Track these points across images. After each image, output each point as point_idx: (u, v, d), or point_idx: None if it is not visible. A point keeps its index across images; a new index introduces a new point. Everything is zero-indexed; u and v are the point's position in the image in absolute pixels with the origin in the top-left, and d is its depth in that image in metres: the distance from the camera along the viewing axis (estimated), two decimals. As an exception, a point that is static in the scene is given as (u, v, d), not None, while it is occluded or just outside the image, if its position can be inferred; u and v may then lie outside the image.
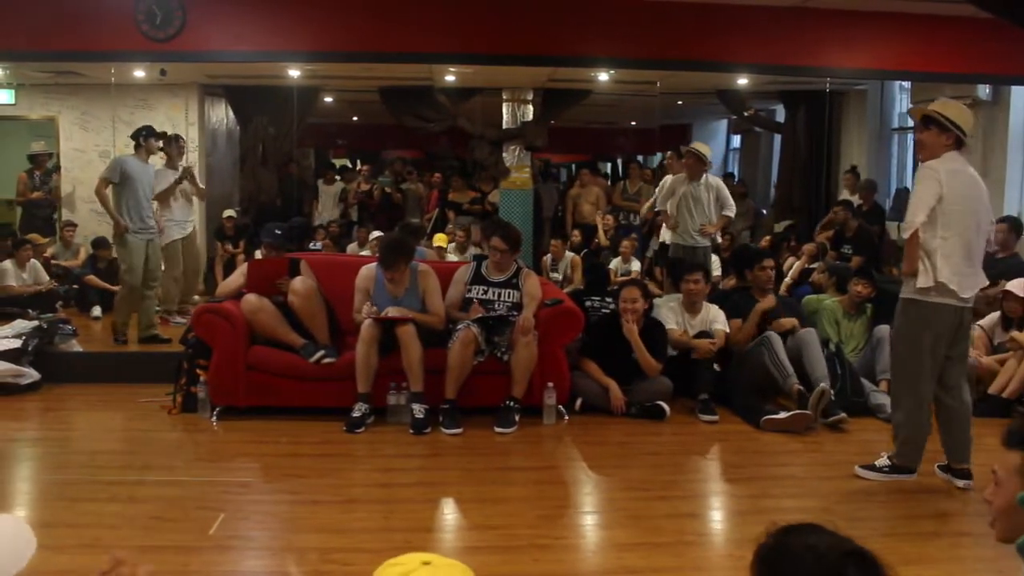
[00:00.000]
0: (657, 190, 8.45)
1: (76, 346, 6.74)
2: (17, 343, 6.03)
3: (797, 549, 1.37)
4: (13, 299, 8.10)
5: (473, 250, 8.67)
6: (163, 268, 7.92)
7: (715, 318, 5.87)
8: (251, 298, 5.41)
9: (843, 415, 5.26)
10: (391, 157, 12.67)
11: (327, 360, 5.32)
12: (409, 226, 7.44)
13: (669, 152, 7.71)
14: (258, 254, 6.02)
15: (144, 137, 7.25)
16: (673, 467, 4.76)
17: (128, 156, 7.24)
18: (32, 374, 6.01)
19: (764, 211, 10.96)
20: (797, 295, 7.07)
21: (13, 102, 9.62)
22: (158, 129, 7.65)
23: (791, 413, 5.19)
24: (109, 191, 7.13)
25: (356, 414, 5.14)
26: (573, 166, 13.83)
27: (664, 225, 7.63)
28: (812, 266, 7.96)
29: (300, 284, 5.45)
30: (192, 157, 8.86)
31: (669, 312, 5.90)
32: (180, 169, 7.84)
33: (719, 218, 7.13)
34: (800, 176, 9.85)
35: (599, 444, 5.13)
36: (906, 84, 8.93)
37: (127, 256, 7.15)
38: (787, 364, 5.55)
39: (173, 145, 7.85)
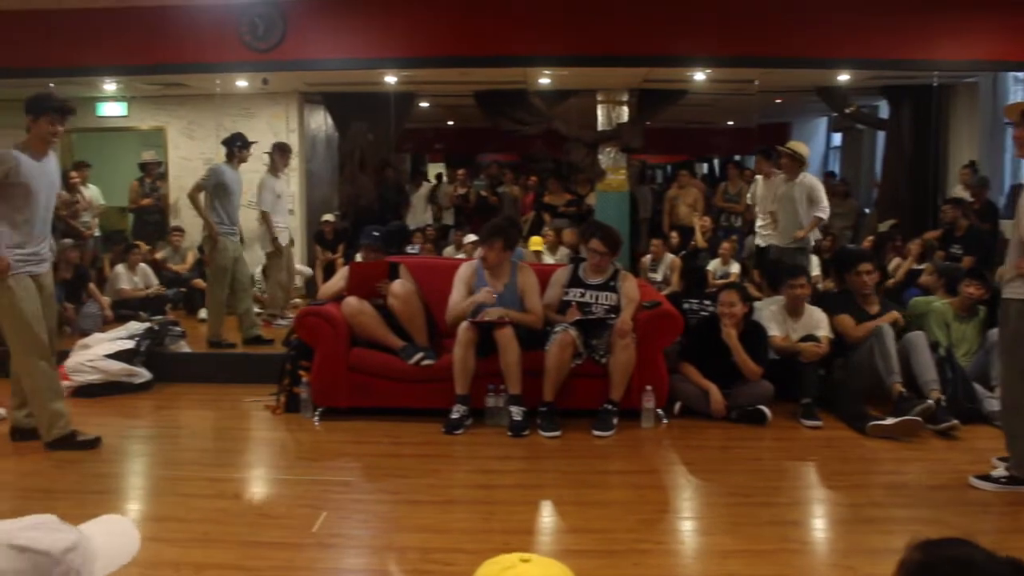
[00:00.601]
0: (751, 192, 8.26)
1: (185, 347, 6.97)
2: (130, 344, 6.29)
3: (946, 564, 1.29)
4: (126, 302, 8.44)
5: (562, 251, 8.64)
6: (267, 274, 8.20)
7: (818, 322, 5.72)
8: (352, 301, 5.50)
9: (955, 422, 5.04)
10: (486, 161, 12.73)
11: (426, 362, 5.38)
12: (512, 219, 7.45)
13: (759, 153, 7.52)
14: (358, 257, 6.13)
15: (239, 148, 7.46)
16: (775, 473, 4.65)
17: (223, 165, 7.44)
18: (144, 374, 6.25)
19: (867, 210, 10.65)
20: (905, 297, 6.81)
21: (126, 114, 10.02)
22: (261, 137, 7.89)
23: (899, 419, 5.00)
24: (202, 196, 7.36)
25: (454, 416, 5.18)
26: (669, 167, 13.67)
27: (758, 228, 7.49)
28: (920, 267, 7.67)
29: (399, 287, 5.52)
30: (292, 163, 9.06)
31: (771, 317, 5.77)
32: (281, 177, 8.09)
33: (811, 220, 6.94)
34: (906, 174, 9.53)
35: (699, 448, 5.05)
36: (1021, 75, 8.54)
37: (218, 256, 7.36)
38: (895, 360, 5.37)
39: (279, 153, 8.08)
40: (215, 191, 7.27)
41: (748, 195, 8.92)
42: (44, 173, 4.71)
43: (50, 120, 4.64)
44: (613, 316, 5.41)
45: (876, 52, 6.91)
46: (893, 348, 5.41)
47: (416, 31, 7.03)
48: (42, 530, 1.25)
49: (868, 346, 5.50)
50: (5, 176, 4.49)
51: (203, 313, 8.57)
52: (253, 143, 7.64)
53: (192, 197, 7.34)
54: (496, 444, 5.00)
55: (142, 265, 8.92)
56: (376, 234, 5.99)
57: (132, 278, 8.77)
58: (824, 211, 6.97)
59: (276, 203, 8.08)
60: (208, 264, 7.44)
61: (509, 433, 5.10)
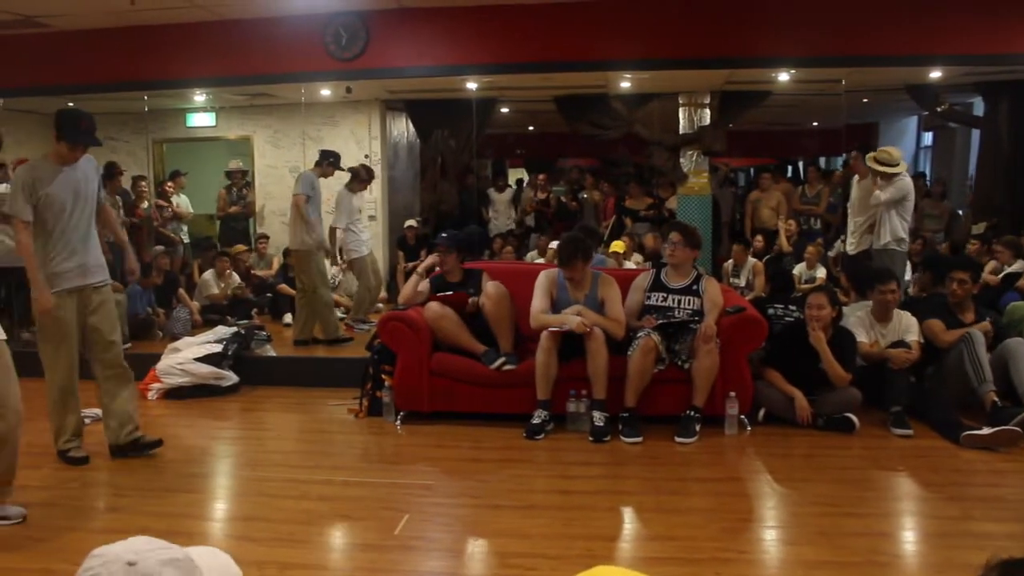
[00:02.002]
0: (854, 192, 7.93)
1: (270, 351, 7.13)
2: (218, 348, 6.45)
3: None
4: (214, 306, 8.66)
5: (636, 257, 8.55)
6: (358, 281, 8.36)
7: (908, 327, 5.55)
8: (434, 306, 5.54)
9: (1056, 433, 4.83)
10: (567, 166, 12.71)
11: (507, 367, 5.38)
12: (587, 227, 7.43)
13: (854, 152, 7.28)
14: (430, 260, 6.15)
15: (330, 163, 7.66)
16: (863, 483, 4.51)
17: (312, 173, 7.63)
18: (231, 377, 6.40)
19: (960, 211, 10.31)
20: (1002, 302, 6.55)
21: (214, 124, 10.30)
22: (344, 145, 8.07)
23: (996, 429, 4.81)
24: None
25: (536, 421, 5.17)
26: (751, 170, 13.45)
27: (849, 233, 7.28)
28: (1016, 270, 7.35)
29: (493, 288, 5.53)
30: (375, 170, 9.19)
31: (858, 322, 5.62)
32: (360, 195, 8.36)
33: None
34: (1003, 173, 9.19)
35: (783, 456, 4.94)
36: None
37: (313, 263, 7.55)
38: (987, 368, 5.18)
39: (359, 179, 8.24)
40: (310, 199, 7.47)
41: (851, 198, 8.51)
42: (71, 181, 4.55)
43: (70, 147, 4.50)
44: (696, 320, 5.34)
45: (971, 47, 6.66)
46: (984, 355, 5.22)
47: (497, 37, 7.05)
48: (163, 547, 1.25)
49: (958, 352, 5.31)
50: (30, 196, 4.41)
51: (288, 318, 8.75)
52: (342, 169, 7.90)
53: (300, 207, 7.46)
54: (577, 450, 4.98)
55: (232, 273, 9.09)
56: (444, 235, 6.01)
57: (220, 284, 8.98)
58: (878, 199, 6.67)
59: (353, 217, 8.21)
60: (306, 271, 7.58)
61: (591, 438, 5.08)
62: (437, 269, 5.90)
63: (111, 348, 4.80)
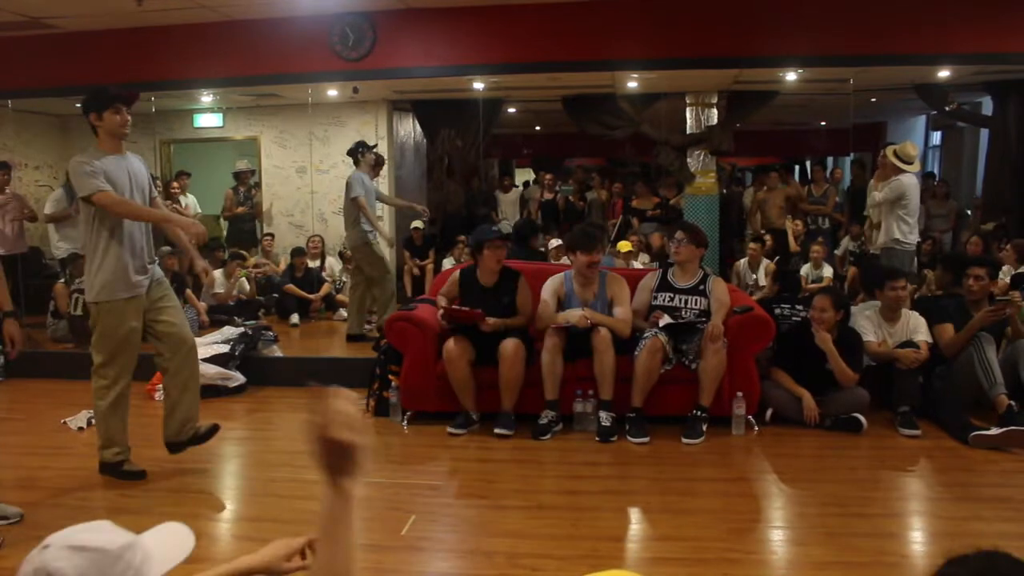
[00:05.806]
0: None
1: (277, 351, 7.12)
2: (225, 348, 6.45)
3: None
4: (222, 307, 8.66)
5: (644, 256, 8.54)
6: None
7: (916, 327, 5.52)
8: (451, 346, 5.30)
9: (1066, 433, 4.80)
10: (573, 165, 12.69)
11: (502, 431, 5.21)
12: (594, 223, 7.40)
13: (883, 152, 7.21)
14: (446, 263, 6.12)
15: (360, 153, 7.70)
16: (871, 483, 4.49)
17: (359, 173, 7.63)
18: (238, 377, 6.40)
19: (968, 211, 10.27)
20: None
21: (221, 124, 10.31)
22: (350, 145, 8.05)
23: (1004, 430, 4.79)
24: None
25: (543, 421, 5.17)
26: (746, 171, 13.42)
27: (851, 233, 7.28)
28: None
29: (512, 349, 5.23)
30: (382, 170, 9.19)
31: (866, 322, 5.59)
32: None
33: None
34: (1011, 173, 9.15)
35: (791, 457, 4.92)
36: None
37: (373, 258, 7.62)
38: (997, 370, 5.16)
39: (376, 165, 8.25)
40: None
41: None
42: (128, 172, 4.35)
43: (116, 111, 4.29)
44: (704, 320, 5.33)
45: (980, 47, 6.63)
46: (994, 357, 5.20)
47: (504, 37, 7.05)
48: (96, 531, 1.29)
49: (968, 355, 5.29)
50: (96, 175, 4.15)
51: (294, 318, 8.74)
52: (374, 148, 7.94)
53: (365, 211, 7.50)
54: (584, 450, 4.98)
55: (239, 271, 9.09)
56: (495, 228, 5.89)
57: (226, 284, 8.97)
58: (874, 200, 6.79)
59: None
60: (370, 263, 7.65)
61: (597, 439, 5.07)
62: (465, 261, 5.81)
63: (187, 342, 4.56)
